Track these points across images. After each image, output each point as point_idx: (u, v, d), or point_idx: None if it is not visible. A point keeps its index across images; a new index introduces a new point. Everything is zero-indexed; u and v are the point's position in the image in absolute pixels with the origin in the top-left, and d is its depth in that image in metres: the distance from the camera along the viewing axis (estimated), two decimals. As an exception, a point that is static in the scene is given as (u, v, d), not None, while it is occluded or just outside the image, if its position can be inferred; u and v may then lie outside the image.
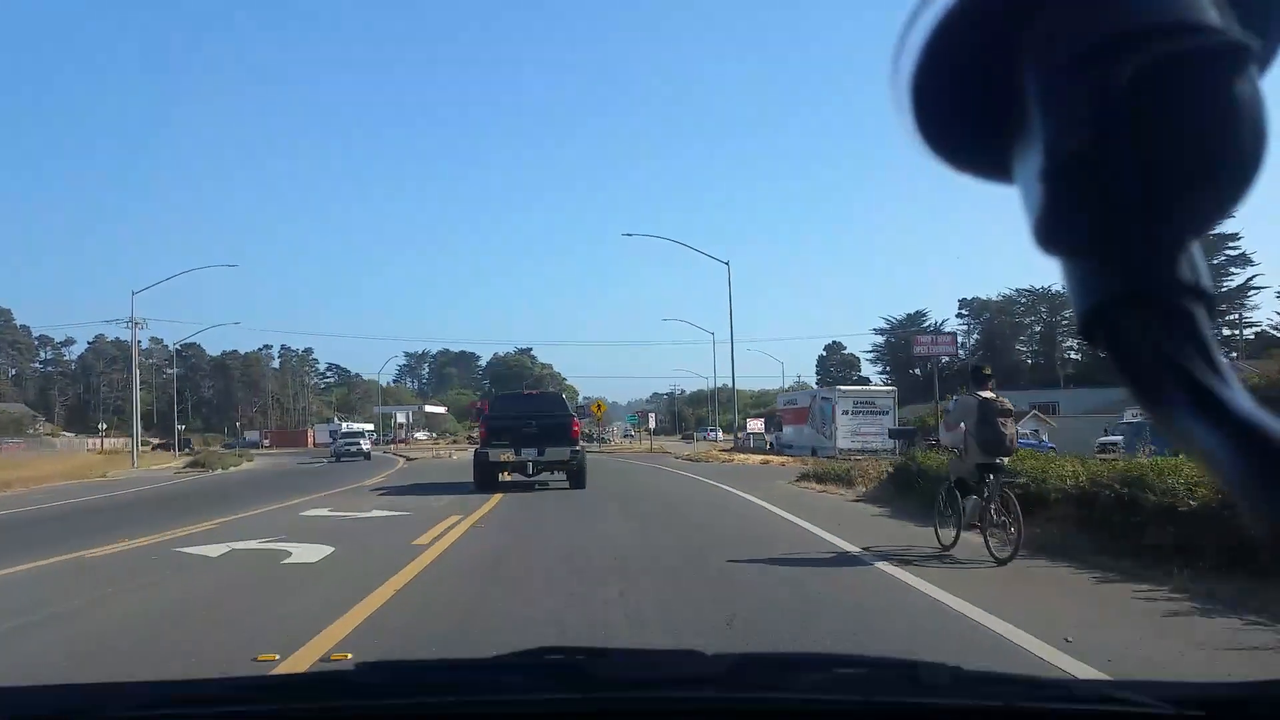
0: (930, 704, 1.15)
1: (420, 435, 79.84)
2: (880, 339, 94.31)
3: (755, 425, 53.45)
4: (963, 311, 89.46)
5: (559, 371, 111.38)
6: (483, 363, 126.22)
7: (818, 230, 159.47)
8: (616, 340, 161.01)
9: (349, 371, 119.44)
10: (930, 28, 0.40)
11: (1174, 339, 0.39)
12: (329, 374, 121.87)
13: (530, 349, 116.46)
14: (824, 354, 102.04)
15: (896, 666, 1.28)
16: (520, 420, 16.73)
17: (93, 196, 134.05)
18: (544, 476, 17.45)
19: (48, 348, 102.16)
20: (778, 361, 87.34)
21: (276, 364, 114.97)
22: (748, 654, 1.40)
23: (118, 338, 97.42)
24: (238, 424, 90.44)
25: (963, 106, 0.43)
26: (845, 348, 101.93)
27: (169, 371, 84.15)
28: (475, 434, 37.06)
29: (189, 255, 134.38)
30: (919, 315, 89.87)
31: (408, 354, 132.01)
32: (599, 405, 40.39)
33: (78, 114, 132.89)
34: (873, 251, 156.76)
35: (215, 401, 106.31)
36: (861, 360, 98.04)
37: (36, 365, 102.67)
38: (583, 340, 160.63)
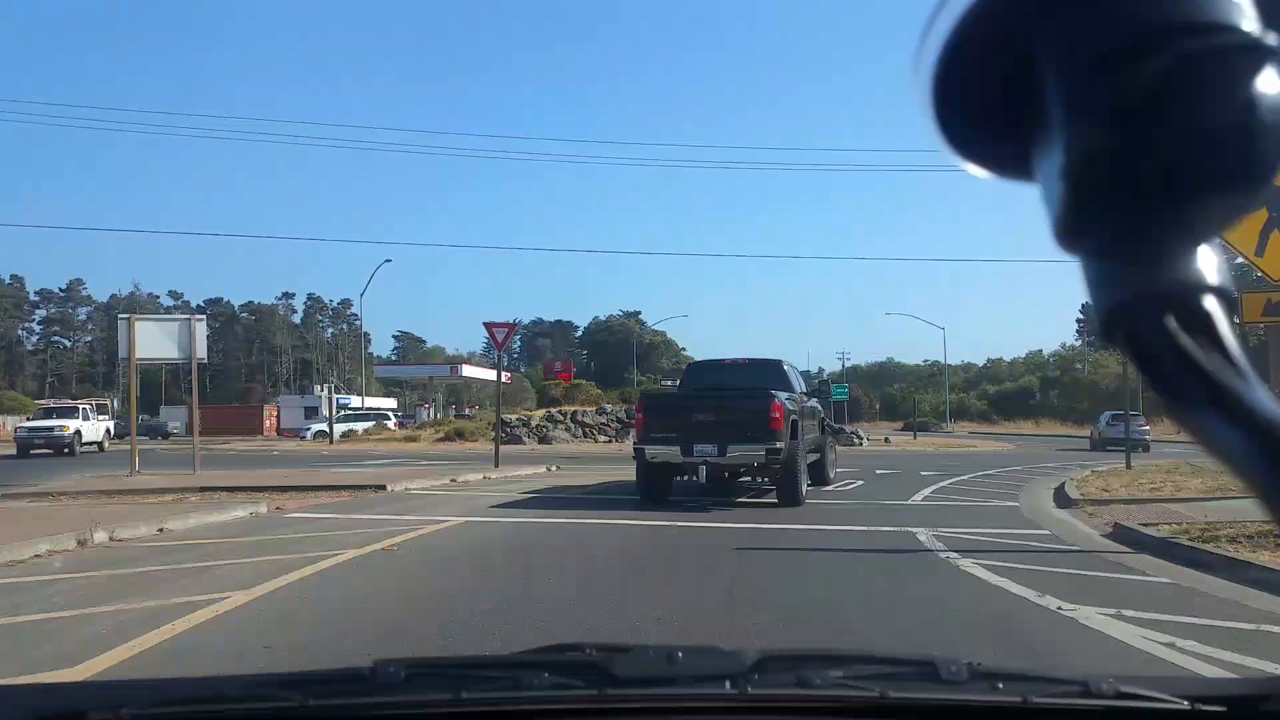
0: (947, 700, 1.15)
1: (470, 411, 51.79)
2: None
3: None
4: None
5: (674, 339, 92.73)
6: (580, 333, 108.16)
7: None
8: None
9: (421, 339, 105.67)
10: (951, 26, 0.41)
11: (1194, 338, 0.39)
12: (400, 341, 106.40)
13: (639, 312, 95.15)
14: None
15: (915, 663, 1.27)
16: (695, 404, 11.82)
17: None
18: (739, 481, 12.56)
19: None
20: (938, 328, 73.23)
21: (299, 317, 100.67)
22: (767, 651, 1.31)
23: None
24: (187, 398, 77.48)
25: (984, 105, 0.43)
26: None
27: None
28: (558, 419, 31.85)
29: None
30: None
31: (493, 324, 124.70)
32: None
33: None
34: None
35: (225, 366, 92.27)
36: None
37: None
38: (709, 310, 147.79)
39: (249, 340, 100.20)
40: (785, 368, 13.31)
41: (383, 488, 14.04)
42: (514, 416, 34.72)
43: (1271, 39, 0.37)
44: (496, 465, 18.37)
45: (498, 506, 11.47)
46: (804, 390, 13.82)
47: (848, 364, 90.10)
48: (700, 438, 11.10)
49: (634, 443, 12.49)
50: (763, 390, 11.48)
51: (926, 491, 13.72)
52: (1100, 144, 0.38)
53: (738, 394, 11.80)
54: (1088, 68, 0.38)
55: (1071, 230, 0.41)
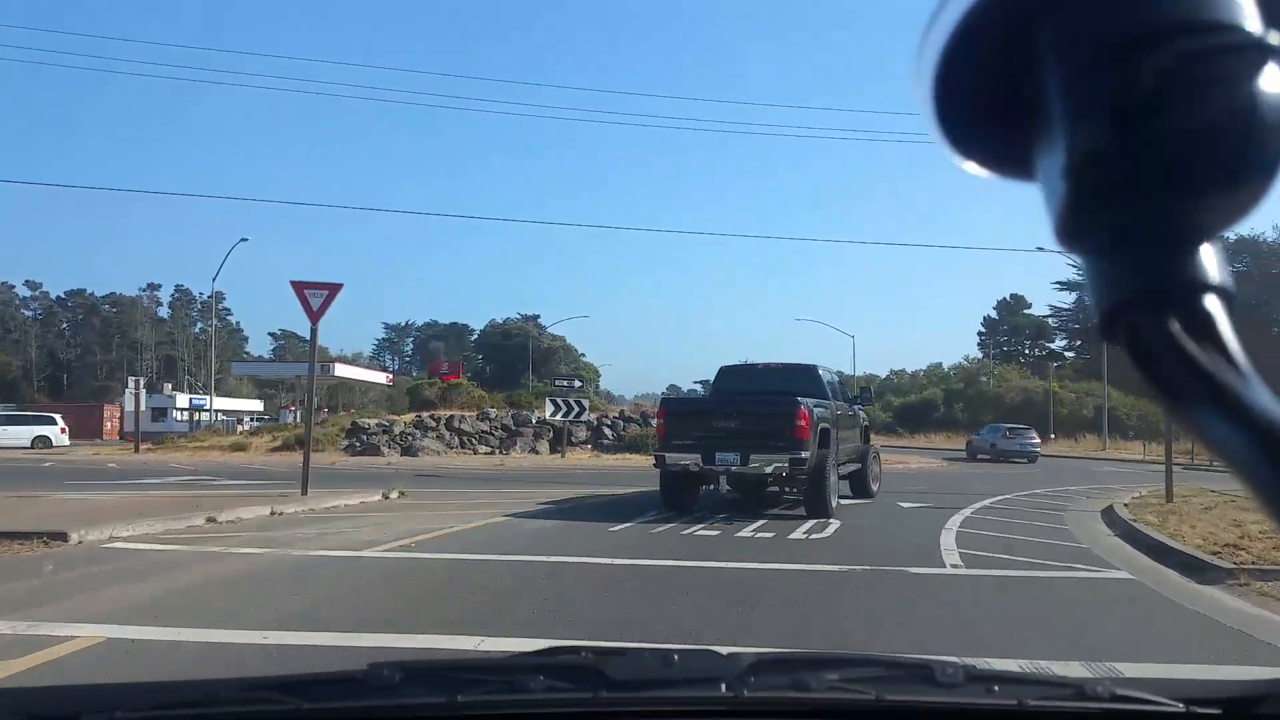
0: (943, 703, 1.15)
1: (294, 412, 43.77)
2: (1068, 296, 72.95)
3: None
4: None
5: (573, 345, 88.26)
6: (476, 336, 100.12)
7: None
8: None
9: (304, 339, 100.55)
10: (952, 25, 0.40)
11: (1195, 338, 0.39)
12: (279, 339, 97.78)
13: (538, 316, 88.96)
14: (994, 316, 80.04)
15: (910, 665, 1.27)
16: (717, 410, 11.56)
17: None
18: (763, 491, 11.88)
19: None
20: (847, 336, 71.82)
21: (165, 310, 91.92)
22: (762, 653, 1.35)
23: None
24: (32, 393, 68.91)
25: (985, 103, 0.43)
26: (1029, 304, 77.84)
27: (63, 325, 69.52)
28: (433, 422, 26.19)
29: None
30: None
31: (387, 325, 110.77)
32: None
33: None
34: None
35: (82, 363, 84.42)
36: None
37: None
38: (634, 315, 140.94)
39: (108, 334, 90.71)
40: (820, 373, 12.61)
41: (61, 538, 8.24)
42: (373, 422, 28.52)
43: (1273, 38, 0.37)
44: (305, 492, 12.63)
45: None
46: (845, 397, 13.20)
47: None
48: (722, 445, 10.72)
49: (654, 449, 12.15)
50: (788, 396, 10.88)
51: (952, 533, 8.99)
52: (1101, 142, 0.38)
53: (761, 400, 11.31)
54: (1089, 65, 0.38)
55: (1072, 228, 0.40)
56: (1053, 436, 47.69)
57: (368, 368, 65.14)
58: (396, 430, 27.89)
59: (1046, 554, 8.20)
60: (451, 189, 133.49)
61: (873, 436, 15.85)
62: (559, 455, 27.08)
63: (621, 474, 20.71)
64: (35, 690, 1.35)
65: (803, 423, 10.52)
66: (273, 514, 10.96)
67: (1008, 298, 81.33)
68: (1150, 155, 0.38)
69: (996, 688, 1.15)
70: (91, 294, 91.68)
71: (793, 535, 9.32)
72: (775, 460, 10.56)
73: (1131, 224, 0.39)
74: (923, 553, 8.26)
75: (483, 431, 29.19)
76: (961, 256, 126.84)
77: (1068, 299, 74.73)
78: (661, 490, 11.57)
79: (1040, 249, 42.84)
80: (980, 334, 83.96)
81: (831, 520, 10.51)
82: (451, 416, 29.51)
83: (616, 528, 9.86)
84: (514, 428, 29.57)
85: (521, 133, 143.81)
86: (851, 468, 13.06)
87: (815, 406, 11.08)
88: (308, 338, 13.34)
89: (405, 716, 1.15)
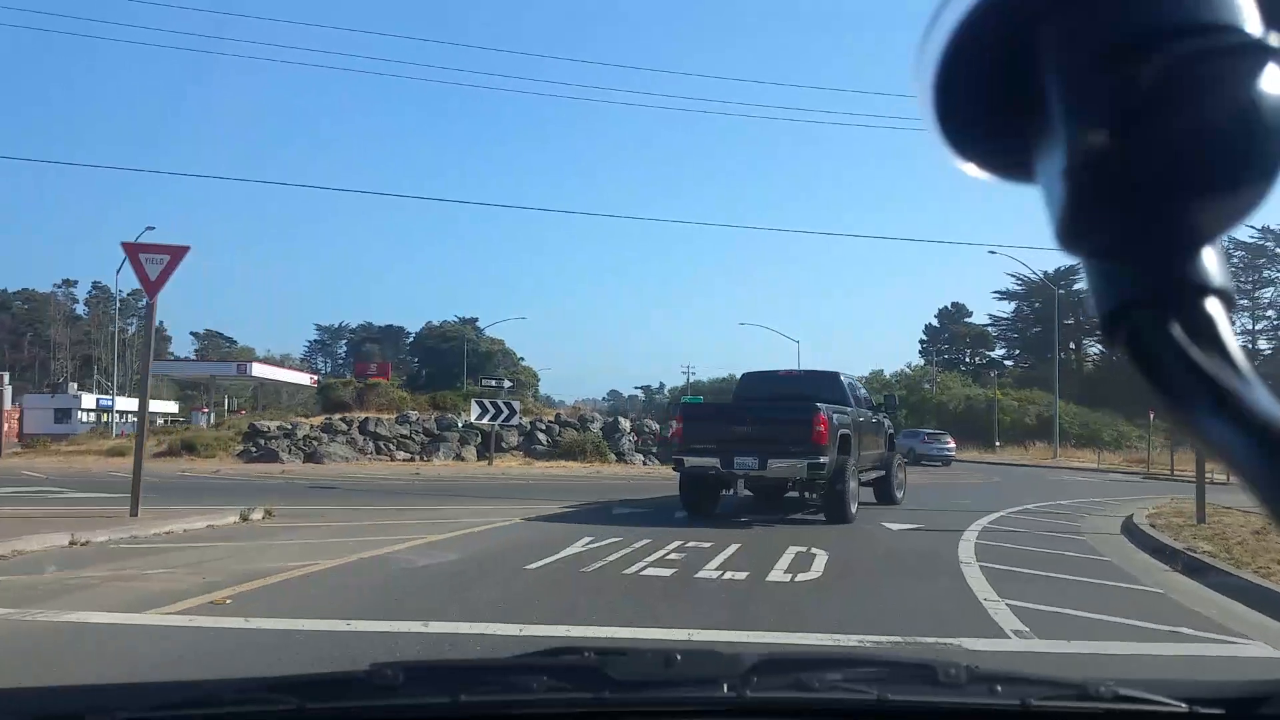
0: (946, 703, 1.14)
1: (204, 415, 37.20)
2: (1007, 306, 72.57)
3: None
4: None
5: (513, 348, 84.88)
6: (411, 339, 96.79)
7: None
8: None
9: (231, 339, 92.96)
10: (953, 26, 0.40)
11: (1195, 340, 0.39)
12: (202, 340, 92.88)
13: (475, 319, 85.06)
14: (936, 324, 78.80)
15: (913, 665, 1.30)
16: (736, 414, 11.55)
17: None
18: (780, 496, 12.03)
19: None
20: (792, 341, 68.49)
21: (81, 308, 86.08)
22: (765, 654, 1.32)
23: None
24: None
25: (986, 104, 0.42)
26: (970, 313, 76.94)
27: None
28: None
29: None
30: (1070, 270, 59.22)
31: (320, 327, 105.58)
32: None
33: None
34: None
35: None
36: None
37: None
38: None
39: (19, 332, 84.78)
40: (842, 379, 12.81)
41: None
42: (273, 424, 25.20)
43: (1274, 39, 0.37)
44: (135, 512, 9.75)
45: None
46: (868, 405, 13.33)
47: (692, 378, 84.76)
48: (741, 449, 10.73)
49: (673, 453, 12.23)
50: (807, 402, 10.92)
51: (974, 567, 6.72)
52: (1102, 144, 0.38)
53: (780, 405, 11.41)
54: (1090, 67, 0.38)
55: (1073, 231, 0.40)
56: (998, 444, 46.93)
57: (295, 369, 61.20)
58: (300, 434, 24.68)
59: (1124, 607, 5.95)
60: (393, 181, 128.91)
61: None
62: (486, 462, 24.34)
63: (554, 484, 18.12)
64: (36, 690, 1.33)
65: (821, 428, 10.37)
66: (73, 544, 8.12)
67: (949, 306, 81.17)
68: (1151, 157, 0.38)
69: (1000, 688, 1.15)
70: (3, 290, 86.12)
71: (772, 576, 6.92)
72: (794, 464, 10.42)
73: (1132, 226, 0.39)
74: (956, 605, 5.96)
75: (401, 436, 26.21)
76: (907, 261, 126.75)
77: (1007, 308, 75.04)
78: (681, 493, 11.64)
79: (992, 251, 41.92)
80: (922, 342, 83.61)
81: (817, 551, 8.20)
82: (366, 419, 26.43)
83: (536, 565, 7.34)
84: (437, 432, 26.68)
85: (469, 127, 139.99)
86: (875, 475, 12.93)
87: (834, 413, 10.97)
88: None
89: (408, 716, 1.15)
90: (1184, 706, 1.06)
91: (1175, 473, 29.62)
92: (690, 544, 8.60)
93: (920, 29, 0.41)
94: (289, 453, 23.79)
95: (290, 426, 25.02)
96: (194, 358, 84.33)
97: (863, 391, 13.90)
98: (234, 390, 54.81)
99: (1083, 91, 0.38)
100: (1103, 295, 0.41)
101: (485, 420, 23.82)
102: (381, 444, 25.78)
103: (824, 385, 12.28)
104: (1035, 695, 1.11)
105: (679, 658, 1.18)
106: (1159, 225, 0.39)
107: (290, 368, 62.99)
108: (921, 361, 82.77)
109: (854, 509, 11.01)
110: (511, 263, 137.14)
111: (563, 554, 7.87)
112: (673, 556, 7.84)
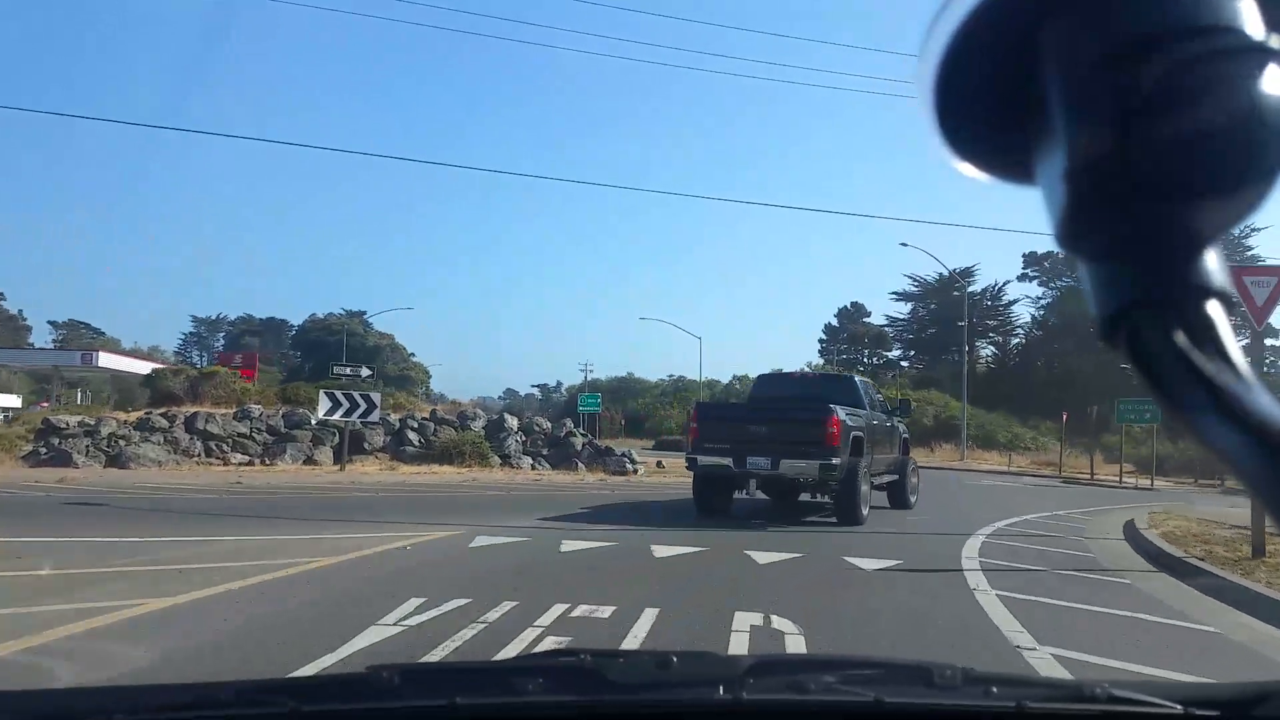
0: (942, 705, 1.14)
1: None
2: (903, 307, 71.63)
3: None
4: (1029, 271, 63.69)
5: (402, 343, 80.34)
6: (295, 332, 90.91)
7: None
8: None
9: (98, 331, 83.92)
10: (954, 28, 0.40)
11: (1194, 341, 0.39)
12: (63, 330, 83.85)
13: (364, 312, 79.36)
14: (835, 324, 77.18)
15: (909, 668, 1.25)
16: (750, 415, 11.53)
17: None
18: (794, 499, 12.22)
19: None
20: (694, 337, 66.28)
21: None
22: (762, 657, 1.34)
23: None
24: None
25: (986, 106, 0.43)
26: (868, 313, 76.21)
27: None
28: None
29: None
30: (967, 272, 60.88)
31: (196, 319, 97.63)
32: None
33: None
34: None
35: None
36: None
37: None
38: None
39: None
40: (857, 382, 13.05)
41: None
42: (73, 420, 20.33)
43: (1275, 41, 0.37)
44: None
45: None
46: (883, 409, 13.47)
47: (590, 376, 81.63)
48: (754, 450, 10.87)
49: (686, 452, 12.27)
50: (820, 403, 11.02)
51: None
52: (1103, 146, 0.38)
53: (793, 406, 11.53)
54: (1092, 68, 0.38)
55: (1073, 233, 0.40)
56: (903, 446, 45.85)
57: (163, 363, 54.47)
58: (105, 431, 20.02)
59: None
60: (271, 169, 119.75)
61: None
62: (339, 468, 20.38)
63: (414, 496, 14.35)
64: (37, 693, 1.27)
65: (834, 429, 10.52)
66: None
67: (848, 305, 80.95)
68: (1152, 159, 0.37)
69: (995, 689, 1.15)
70: None
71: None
72: (806, 465, 10.59)
73: (1132, 229, 0.39)
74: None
75: (239, 435, 21.79)
76: (808, 260, 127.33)
77: (904, 309, 75.29)
78: (694, 493, 11.84)
79: (904, 244, 40.61)
80: (822, 341, 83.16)
81: (778, 622, 5.12)
82: (195, 415, 21.89)
83: (332, 657, 3.96)
84: (285, 430, 22.41)
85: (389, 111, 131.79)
86: (888, 479, 13.06)
87: (848, 415, 11.03)
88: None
89: (404, 719, 1.15)
90: (1179, 708, 1.07)
91: (1095, 478, 28.64)
92: (578, 612, 5.37)
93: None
94: (87, 454, 19.11)
95: (94, 423, 20.28)
96: (53, 348, 75.41)
97: (878, 395, 14.02)
98: (95, 385, 48.75)
99: (1084, 93, 0.38)
100: (1103, 297, 0.40)
101: (338, 415, 19.82)
102: (213, 444, 21.32)
103: (838, 388, 12.62)
104: (1030, 697, 1.12)
105: (675, 660, 1.20)
106: (1159, 227, 0.38)
107: (161, 361, 56.24)
108: (821, 361, 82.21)
109: (865, 511, 10.96)
110: (404, 257, 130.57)
111: (356, 644, 4.50)
112: (548, 644, 4.61)
